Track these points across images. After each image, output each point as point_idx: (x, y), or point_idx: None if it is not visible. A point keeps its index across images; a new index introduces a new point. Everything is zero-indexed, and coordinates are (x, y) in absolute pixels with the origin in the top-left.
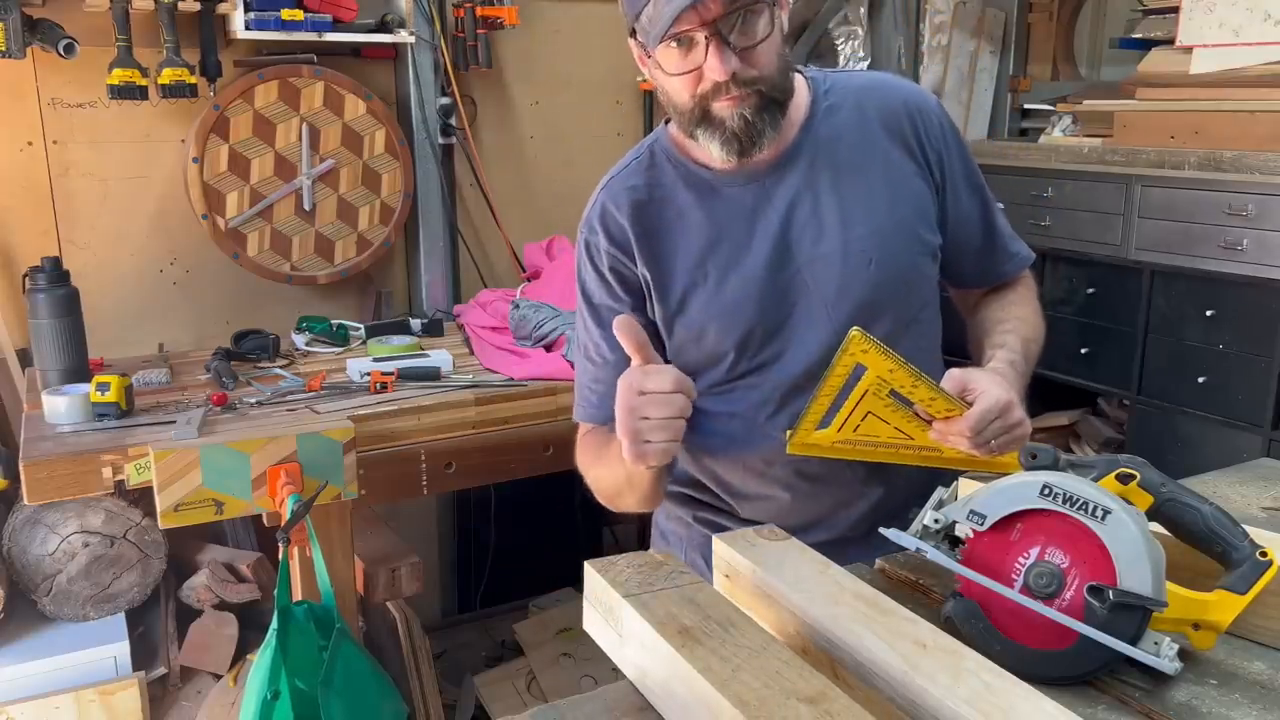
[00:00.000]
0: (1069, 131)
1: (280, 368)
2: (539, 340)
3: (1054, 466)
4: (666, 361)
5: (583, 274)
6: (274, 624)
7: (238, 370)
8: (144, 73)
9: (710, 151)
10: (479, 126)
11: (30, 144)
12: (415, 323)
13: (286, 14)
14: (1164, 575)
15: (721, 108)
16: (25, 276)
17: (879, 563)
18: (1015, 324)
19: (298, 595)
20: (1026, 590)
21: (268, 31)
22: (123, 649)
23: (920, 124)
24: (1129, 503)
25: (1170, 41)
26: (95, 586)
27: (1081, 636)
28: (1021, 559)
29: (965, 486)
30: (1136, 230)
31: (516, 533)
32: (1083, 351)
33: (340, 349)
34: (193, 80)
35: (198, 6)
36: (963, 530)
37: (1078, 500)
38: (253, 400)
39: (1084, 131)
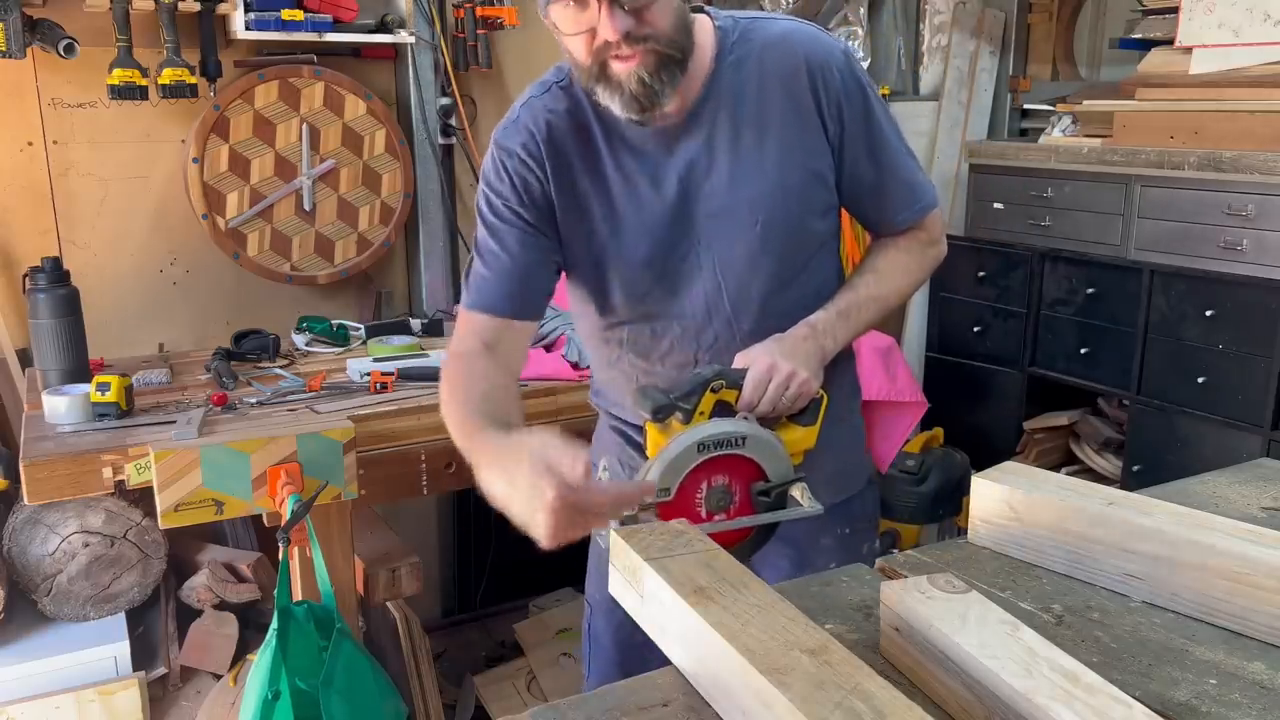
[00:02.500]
0: (1069, 132)
1: (280, 368)
2: (539, 340)
3: (667, 405)
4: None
5: (489, 176)
6: (274, 624)
7: (238, 370)
8: (144, 73)
9: (612, 108)
10: (479, 126)
11: (30, 144)
12: (415, 323)
13: (286, 14)
14: (784, 451)
15: (619, 68)
16: (25, 276)
17: (879, 562)
18: (859, 278)
19: (298, 595)
20: (710, 514)
21: (268, 32)
22: (123, 649)
23: (821, 81)
24: (746, 416)
25: (1170, 42)
26: (95, 586)
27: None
28: (699, 494)
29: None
30: (1136, 230)
31: (517, 532)
32: (1083, 351)
33: (340, 349)
34: (193, 80)
35: (198, 6)
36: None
37: (723, 441)
38: (253, 400)
39: (1084, 132)
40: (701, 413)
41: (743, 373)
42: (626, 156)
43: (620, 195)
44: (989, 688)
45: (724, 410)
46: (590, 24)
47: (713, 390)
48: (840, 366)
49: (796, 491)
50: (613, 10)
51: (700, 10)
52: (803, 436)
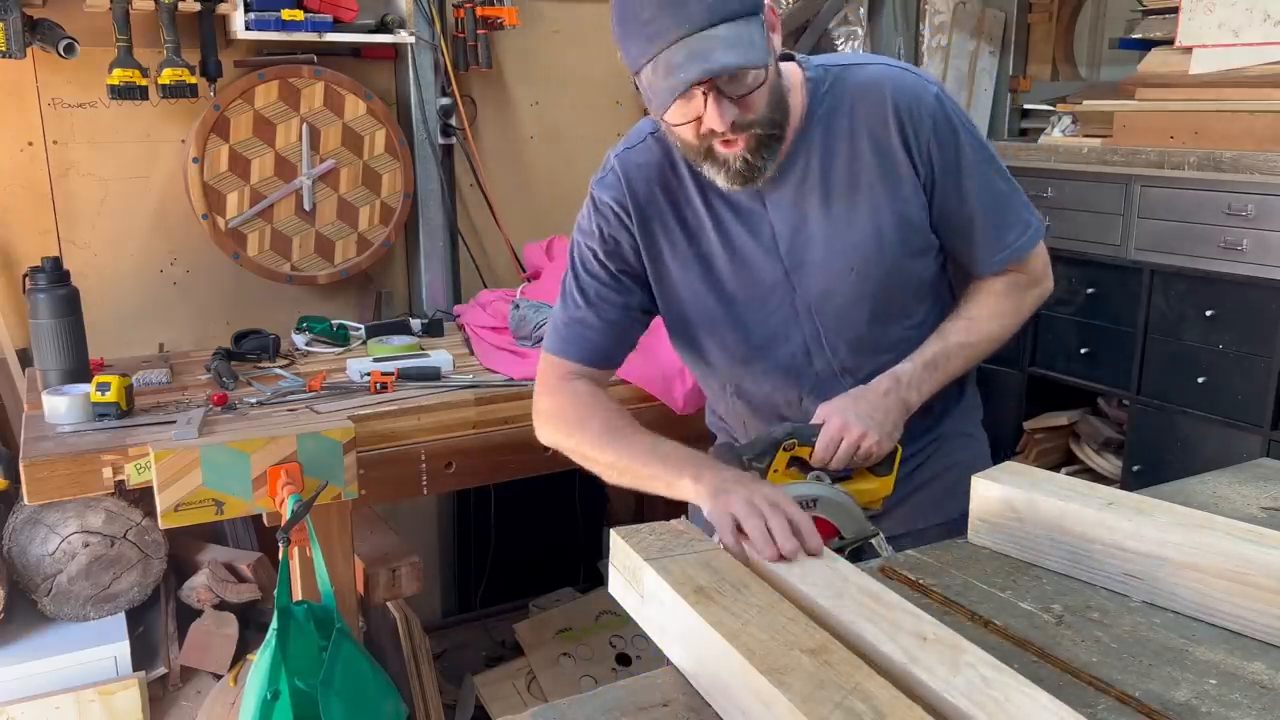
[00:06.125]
0: (1069, 132)
1: (280, 368)
2: (539, 340)
3: (740, 466)
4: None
5: (582, 226)
6: (274, 624)
7: (238, 370)
8: (144, 73)
9: (716, 181)
10: (479, 126)
11: (30, 144)
12: (415, 323)
13: (286, 14)
14: (858, 509)
15: (724, 150)
16: (25, 276)
17: (880, 563)
18: (950, 324)
19: (298, 595)
20: None
21: (268, 32)
22: (123, 649)
23: (909, 127)
24: (821, 472)
25: (1170, 42)
26: (95, 586)
27: None
28: None
29: None
30: (1136, 230)
31: (516, 533)
32: (1082, 351)
33: (340, 349)
34: (193, 80)
35: (198, 6)
36: None
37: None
38: (253, 400)
39: (1084, 132)
40: (775, 470)
41: (816, 429)
42: (720, 207)
43: (715, 245)
44: (811, 608)
45: (800, 465)
46: (697, 113)
47: (785, 449)
48: (956, 387)
49: (875, 542)
50: (720, 102)
51: (789, 58)
52: (878, 486)
